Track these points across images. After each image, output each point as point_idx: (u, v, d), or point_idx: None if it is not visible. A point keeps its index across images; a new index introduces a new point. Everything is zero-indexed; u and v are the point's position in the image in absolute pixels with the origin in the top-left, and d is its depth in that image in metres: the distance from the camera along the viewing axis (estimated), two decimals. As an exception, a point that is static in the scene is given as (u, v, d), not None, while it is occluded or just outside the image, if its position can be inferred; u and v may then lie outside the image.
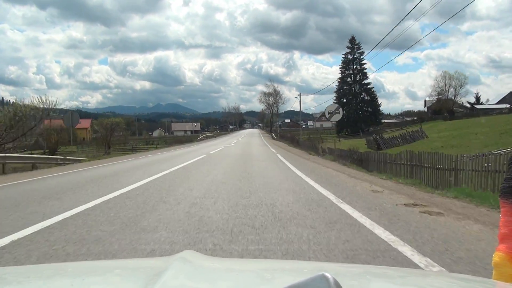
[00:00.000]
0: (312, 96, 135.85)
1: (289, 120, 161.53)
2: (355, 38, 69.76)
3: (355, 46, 69.14)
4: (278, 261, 2.54)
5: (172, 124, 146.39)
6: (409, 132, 37.95)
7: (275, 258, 3.07)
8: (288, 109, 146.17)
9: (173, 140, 61.04)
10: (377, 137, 38.10)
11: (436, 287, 0.86)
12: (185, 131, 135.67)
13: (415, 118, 78.29)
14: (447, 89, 62.43)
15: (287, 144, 41.58)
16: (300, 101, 52.96)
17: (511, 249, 0.80)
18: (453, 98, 64.64)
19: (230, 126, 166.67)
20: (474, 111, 63.96)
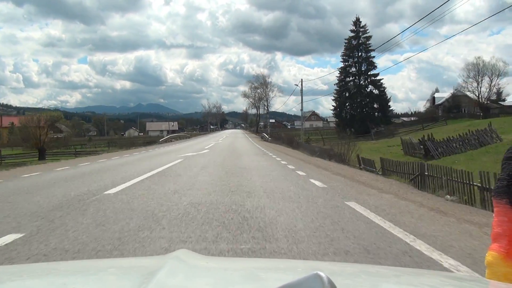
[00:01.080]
0: (293, 97, 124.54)
1: (273, 120, 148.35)
2: (360, 20, 56.58)
3: (360, 30, 55.94)
4: (272, 260, 2.39)
5: (147, 123, 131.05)
6: (472, 132, 24.46)
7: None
8: (270, 109, 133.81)
9: (139, 141, 46.83)
10: (426, 140, 24.55)
11: (429, 286, 0.86)
12: (161, 131, 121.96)
13: (416, 118, 66.08)
14: (480, 80, 49.79)
15: (291, 148, 27.78)
16: (301, 88, 39.30)
17: (504, 248, 0.80)
18: (487, 91, 51.96)
19: (212, 126, 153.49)
20: (501, 108, 52.01)
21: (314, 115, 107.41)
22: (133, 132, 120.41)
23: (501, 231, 0.82)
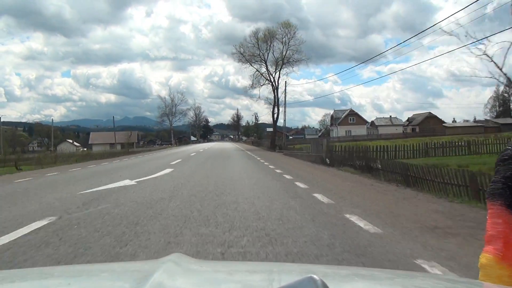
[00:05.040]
0: (280, 109, 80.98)
1: (270, 129, 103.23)
2: None
3: None
4: (266, 263, 2.27)
5: (91, 133, 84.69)
6: None
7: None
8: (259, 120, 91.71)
9: None
10: None
11: None
12: (112, 144, 76.77)
13: None
14: None
15: None
16: None
17: (498, 251, 0.79)
18: None
19: (193, 138, 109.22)
20: None
21: (353, 116, 61.98)
22: (68, 146, 74.48)
23: (495, 233, 0.79)
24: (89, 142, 78.10)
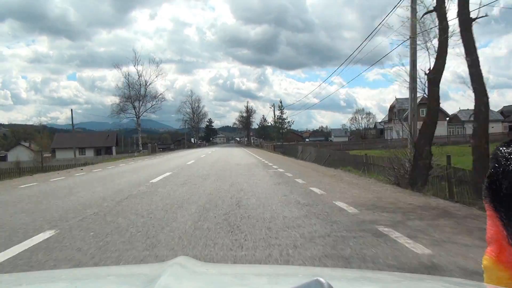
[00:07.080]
0: (288, 112, 63.98)
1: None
2: None
3: None
4: (272, 266, 2.34)
5: (55, 136, 63.93)
6: None
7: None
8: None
9: None
10: None
11: None
12: (82, 149, 57.31)
13: None
14: None
15: None
16: None
17: (495, 252, 0.76)
18: None
19: (193, 140, 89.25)
20: None
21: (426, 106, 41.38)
22: (23, 151, 54.36)
23: (490, 235, 0.76)
24: (52, 146, 57.92)
